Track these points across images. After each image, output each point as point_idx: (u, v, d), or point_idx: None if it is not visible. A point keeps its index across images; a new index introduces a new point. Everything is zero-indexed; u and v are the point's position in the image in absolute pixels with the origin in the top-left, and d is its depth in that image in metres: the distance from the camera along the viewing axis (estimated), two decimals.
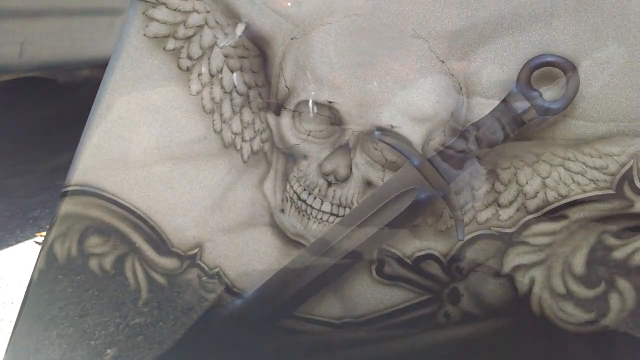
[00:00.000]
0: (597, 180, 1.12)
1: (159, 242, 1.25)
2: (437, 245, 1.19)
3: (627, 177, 1.11)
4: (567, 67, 1.07)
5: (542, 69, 1.08)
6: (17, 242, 2.54)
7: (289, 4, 1.14)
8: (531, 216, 1.15)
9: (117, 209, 1.25)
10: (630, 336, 1.18)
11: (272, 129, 1.20)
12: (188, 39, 1.18)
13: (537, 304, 1.19)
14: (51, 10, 2.79)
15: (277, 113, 1.19)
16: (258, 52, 1.17)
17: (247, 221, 1.23)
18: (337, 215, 1.20)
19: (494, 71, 1.11)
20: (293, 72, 1.17)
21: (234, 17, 1.17)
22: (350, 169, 1.18)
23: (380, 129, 1.15)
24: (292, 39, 1.16)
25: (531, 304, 1.19)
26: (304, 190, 1.20)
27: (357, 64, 1.14)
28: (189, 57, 1.18)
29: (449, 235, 1.18)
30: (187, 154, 1.22)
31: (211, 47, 1.18)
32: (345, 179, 1.18)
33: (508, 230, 1.16)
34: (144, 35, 1.19)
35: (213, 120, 1.20)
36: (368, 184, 1.18)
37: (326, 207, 1.20)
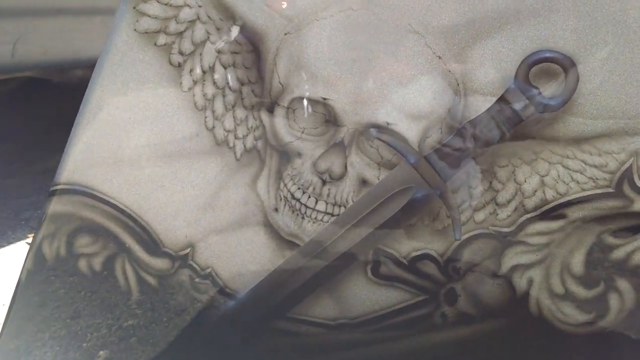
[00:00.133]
0: (597, 179, 1.11)
1: (150, 242, 1.23)
2: (433, 245, 1.18)
3: (627, 176, 1.10)
4: (566, 63, 1.06)
5: (541, 65, 1.07)
6: (9, 243, 2.52)
7: (284, 4, 1.13)
8: (529, 215, 1.14)
9: (107, 208, 1.23)
10: (628, 337, 1.17)
11: (266, 126, 1.18)
12: (179, 34, 1.17)
13: (535, 305, 1.18)
14: (45, 10, 2.78)
15: (271, 110, 1.18)
16: (251, 47, 1.16)
17: (240, 221, 1.21)
18: (332, 215, 1.18)
19: (492, 67, 1.09)
20: (287, 68, 1.16)
21: (227, 11, 1.15)
22: (345, 167, 1.16)
23: (376, 126, 1.14)
24: (285, 34, 1.14)
25: (529, 304, 1.18)
26: (298, 189, 1.18)
27: (352, 59, 1.13)
28: (181, 53, 1.17)
29: (446, 234, 1.17)
30: (178, 152, 1.20)
31: (203, 43, 1.17)
32: (340, 178, 1.17)
33: (506, 230, 1.15)
34: (135, 30, 1.17)
35: (205, 118, 1.19)
36: (363, 182, 1.17)
37: (321, 206, 1.18)
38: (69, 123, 1.25)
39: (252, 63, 1.17)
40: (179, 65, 1.18)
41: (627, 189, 1.10)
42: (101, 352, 1.27)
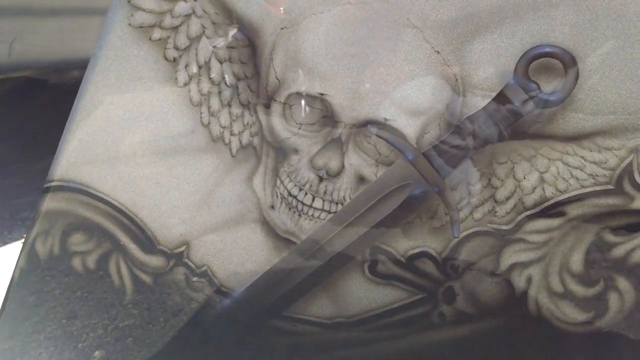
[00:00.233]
0: (596, 175, 1.10)
1: (145, 239, 1.22)
2: (431, 243, 1.17)
3: (627, 172, 1.09)
4: (565, 59, 1.05)
5: (540, 60, 1.06)
6: (5, 243, 2.52)
7: (281, 9, 1.12)
8: (528, 213, 1.13)
9: (101, 205, 1.22)
10: (627, 337, 1.16)
11: (262, 122, 1.17)
12: (175, 28, 1.16)
13: (534, 304, 1.17)
14: (41, 9, 2.77)
15: (267, 106, 1.17)
16: (247, 42, 1.15)
17: (236, 218, 1.20)
18: (329, 212, 1.18)
19: (491, 63, 1.08)
20: (283, 63, 1.15)
21: (222, 5, 1.14)
22: (343, 163, 1.15)
23: (374, 123, 1.13)
24: (282, 28, 1.14)
25: (528, 303, 1.17)
26: (295, 186, 1.17)
27: (350, 54, 1.12)
28: (176, 48, 1.16)
29: (444, 232, 1.16)
30: (173, 148, 1.19)
31: (199, 37, 1.16)
32: (337, 174, 1.16)
33: (505, 227, 1.14)
34: (129, 25, 1.16)
35: (201, 113, 1.18)
36: (361, 179, 1.16)
37: (317, 203, 1.17)
38: (64, 123, 1.25)
39: (248, 58, 1.16)
40: (174, 60, 1.17)
41: (627, 185, 1.09)
42: (97, 353, 1.27)
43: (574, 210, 1.12)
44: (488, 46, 1.08)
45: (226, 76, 1.16)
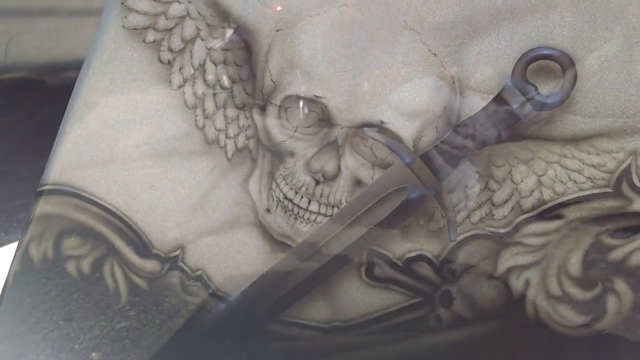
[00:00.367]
0: (595, 178, 1.09)
1: (139, 243, 1.22)
2: (428, 246, 1.16)
3: (626, 175, 1.09)
4: (564, 61, 1.04)
5: (538, 62, 1.05)
6: (2, 245, 2.51)
7: (278, 8, 1.11)
8: (526, 215, 1.13)
9: (95, 209, 1.22)
10: (626, 339, 1.15)
11: (258, 125, 1.17)
12: (169, 30, 1.15)
13: (532, 307, 1.16)
14: (38, 10, 2.76)
15: (263, 108, 1.16)
16: (242, 44, 1.14)
17: (232, 221, 1.20)
18: (325, 215, 1.17)
19: (488, 65, 1.08)
20: (279, 66, 1.14)
21: (217, 7, 1.14)
22: (339, 166, 1.15)
23: (370, 125, 1.12)
24: (277, 30, 1.13)
25: (526, 306, 1.16)
26: (291, 189, 1.17)
27: (346, 57, 1.11)
28: (170, 50, 1.15)
29: (441, 235, 1.15)
30: (168, 151, 1.18)
31: (193, 39, 1.15)
32: (334, 177, 1.15)
33: (502, 230, 1.14)
34: (123, 27, 1.15)
35: (196, 116, 1.17)
36: (357, 182, 1.15)
37: (314, 206, 1.17)
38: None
39: (243, 60, 1.15)
40: (169, 62, 1.16)
41: (625, 188, 1.09)
42: (93, 354, 1.26)
43: (572, 213, 1.12)
44: (485, 48, 1.07)
45: (221, 79, 1.15)
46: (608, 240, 1.12)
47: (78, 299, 1.25)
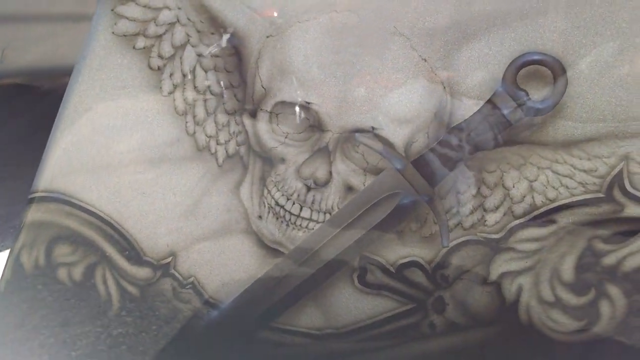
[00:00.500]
0: (586, 184, 1.09)
1: (131, 250, 1.21)
2: (421, 252, 1.16)
3: (617, 180, 1.08)
4: (554, 66, 1.04)
5: (529, 68, 1.05)
6: None
7: (275, 14, 1.11)
8: (518, 221, 1.12)
9: (86, 216, 1.21)
10: (620, 343, 1.15)
11: (248, 131, 1.16)
12: (159, 37, 1.15)
13: (525, 313, 1.16)
14: (33, 16, 2.76)
15: (254, 115, 1.16)
16: (233, 50, 1.14)
17: (223, 228, 1.19)
18: (317, 222, 1.16)
19: (479, 70, 1.08)
20: (269, 72, 1.13)
21: (207, 13, 1.13)
22: (330, 173, 1.14)
23: (361, 131, 1.12)
24: (268, 36, 1.12)
25: (519, 312, 1.16)
26: (282, 195, 1.16)
27: (336, 63, 1.11)
28: (160, 56, 1.15)
29: (434, 241, 1.15)
30: (159, 158, 1.18)
31: (183, 46, 1.15)
32: (325, 184, 1.15)
33: (495, 236, 1.13)
34: (113, 33, 1.15)
35: (186, 123, 1.17)
36: (349, 188, 1.15)
37: (305, 213, 1.16)
38: None
39: (233, 66, 1.15)
40: (159, 69, 1.16)
41: (617, 193, 1.09)
42: None
43: (564, 219, 1.11)
44: (476, 54, 1.07)
45: (211, 85, 1.15)
46: (601, 246, 1.12)
47: (74, 305, 1.24)
